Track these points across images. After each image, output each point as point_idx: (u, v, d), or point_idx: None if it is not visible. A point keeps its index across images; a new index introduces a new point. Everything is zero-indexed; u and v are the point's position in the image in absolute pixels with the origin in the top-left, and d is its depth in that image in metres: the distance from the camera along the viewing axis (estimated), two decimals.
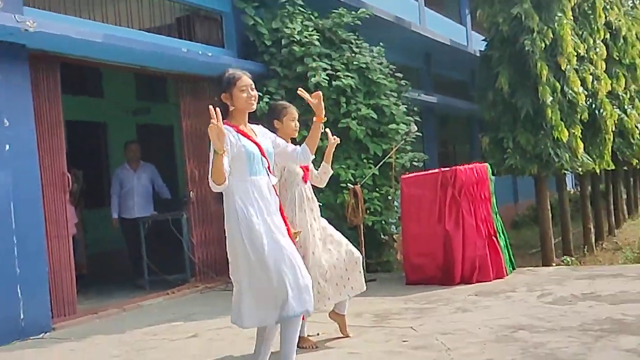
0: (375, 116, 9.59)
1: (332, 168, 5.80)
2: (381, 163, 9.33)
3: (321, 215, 5.68)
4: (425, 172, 9.02)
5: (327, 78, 9.32)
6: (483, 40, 11.91)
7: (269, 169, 4.48)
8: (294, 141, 5.65)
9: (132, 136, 12.11)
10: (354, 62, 9.77)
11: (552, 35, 10.65)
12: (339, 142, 5.64)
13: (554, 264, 10.84)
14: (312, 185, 5.64)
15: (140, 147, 10.33)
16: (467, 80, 19.52)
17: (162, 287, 9.05)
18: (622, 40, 14.91)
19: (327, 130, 5.68)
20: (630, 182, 21.94)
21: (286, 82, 9.50)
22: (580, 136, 11.37)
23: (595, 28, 12.94)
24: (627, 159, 15.87)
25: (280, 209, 4.53)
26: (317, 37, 9.64)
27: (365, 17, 10.36)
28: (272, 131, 5.17)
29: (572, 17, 11.59)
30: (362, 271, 5.66)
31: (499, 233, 8.57)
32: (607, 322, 5.54)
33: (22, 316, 6.68)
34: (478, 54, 13.85)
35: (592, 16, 12.86)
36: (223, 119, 4.39)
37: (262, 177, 4.38)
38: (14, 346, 6.44)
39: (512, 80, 10.70)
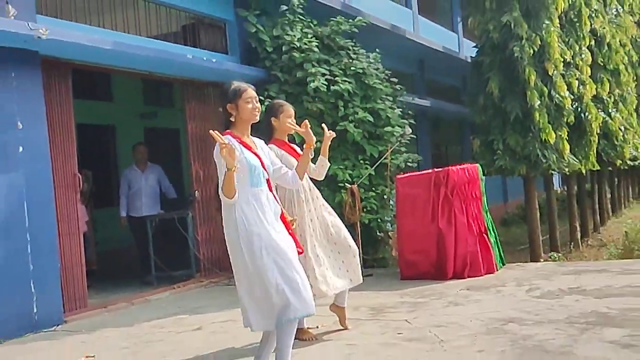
0: (371, 119, 9.59)
1: (330, 166, 5.81)
2: (377, 164, 9.34)
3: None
4: (419, 173, 9.03)
5: (326, 83, 9.33)
6: (474, 47, 11.90)
7: (269, 182, 4.45)
8: (290, 138, 5.66)
9: (140, 139, 12.10)
10: (352, 68, 9.77)
11: (540, 42, 10.65)
12: (334, 136, 5.63)
13: (541, 260, 10.85)
14: (311, 179, 5.65)
15: (147, 149, 10.32)
16: (459, 85, 19.53)
17: (168, 282, 9.06)
18: (606, 47, 14.91)
19: (324, 125, 5.68)
20: (615, 182, 21.95)
21: (286, 87, 9.51)
22: (567, 138, 11.38)
23: (581, 35, 12.94)
24: (612, 159, 15.88)
25: (282, 217, 4.50)
26: (316, 44, 9.64)
27: (362, 25, 10.37)
28: (269, 129, 5.17)
29: (559, 25, 11.60)
30: (359, 264, 5.66)
31: (490, 230, 8.57)
32: (592, 315, 5.55)
33: (35, 310, 6.68)
34: (469, 60, 13.84)
35: (578, 24, 12.86)
36: (226, 129, 4.40)
37: (262, 189, 4.34)
38: (27, 338, 6.44)
39: (501, 85, 10.69)
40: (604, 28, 14.65)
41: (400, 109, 10.42)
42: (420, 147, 15.52)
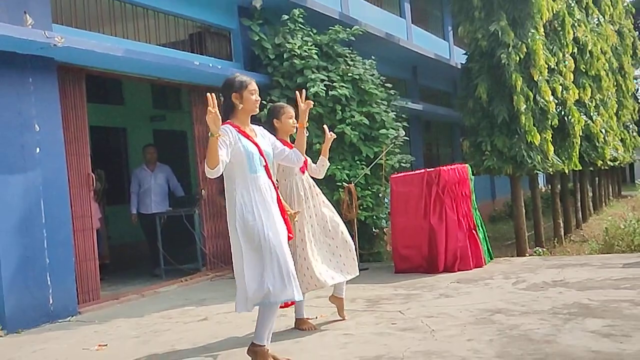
0: (367, 122, 9.60)
1: (329, 167, 5.83)
2: (373, 164, 9.35)
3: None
4: (412, 172, 9.02)
5: (325, 88, 9.33)
6: (464, 54, 11.89)
7: (267, 168, 4.46)
8: (292, 138, 5.67)
9: (150, 140, 12.10)
10: (349, 74, 9.78)
11: (525, 50, 10.65)
12: (335, 137, 5.66)
13: (527, 255, 10.84)
14: (311, 177, 5.66)
15: (156, 150, 10.32)
16: (450, 90, 19.53)
17: (176, 275, 9.06)
18: (588, 54, 14.90)
19: (325, 127, 5.72)
20: (596, 181, 21.96)
21: (288, 92, 9.49)
22: (551, 140, 11.37)
23: (565, 43, 12.94)
24: (593, 160, 15.88)
25: (279, 200, 4.52)
26: (316, 52, 9.64)
27: (358, 33, 10.37)
28: (272, 131, 5.19)
29: (543, 34, 11.59)
30: (355, 258, 5.66)
31: (478, 227, 8.58)
32: (574, 307, 5.55)
33: (51, 301, 6.69)
34: (459, 67, 13.86)
35: (561, 33, 12.85)
36: (227, 119, 4.40)
37: (261, 175, 4.37)
38: (43, 328, 6.44)
39: (489, 90, 10.68)
40: (586, 36, 14.65)
41: (395, 113, 10.42)
42: (413, 148, 15.51)
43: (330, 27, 10.20)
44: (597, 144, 15.64)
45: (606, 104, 17.08)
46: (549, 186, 17.24)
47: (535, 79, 10.92)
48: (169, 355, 5.08)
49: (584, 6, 15.61)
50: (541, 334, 4.74)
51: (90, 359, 5.22)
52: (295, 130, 5.40)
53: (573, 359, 4.11)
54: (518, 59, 10.54)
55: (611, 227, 11.92)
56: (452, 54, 19.06)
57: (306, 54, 9.56)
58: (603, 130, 16.01)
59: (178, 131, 13.42)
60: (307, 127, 4.87)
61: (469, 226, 8.37)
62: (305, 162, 5.56)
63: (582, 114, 13.66)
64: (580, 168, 14.37)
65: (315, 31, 10.11)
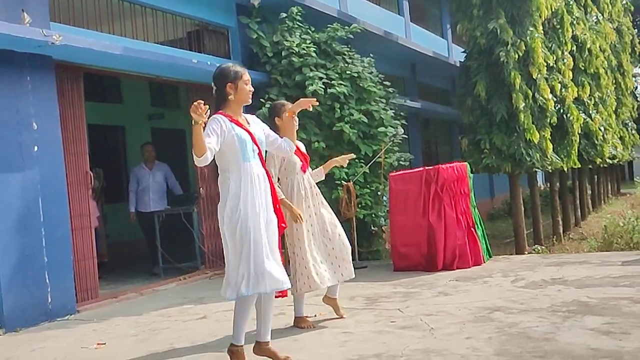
0: (366, 120, 9.60)
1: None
2: (371, 162, 9.35)
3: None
4: (411, 170, 9.03)
5: (323, 86, 9.33)
6: (462, 52, 11.90)
7: (260, 156, 4.46)
8: (299, 139, 5.68)
9: (148, 138, 12.09)
10: (347, 72, 9.78)
11: (524, 48, 10.65)
12: (346, 163, 5.73)
13: (526, 252, 10.86)
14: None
15: (155, 149, 10.31)
16: (448, 88, 19.53)
17: (175, 274, 9.05)
18: (587, 52, 14.91)
19: (346, 157, 6.03)
20: (595, 179, 21.97)
21: (286, 90, 9.50)
22: (550, 138, 11.38)
23: (563, 41, 12.94)
24: (592, 158, 15.90)
25: (272, 190, 4.52)
26: (314, 49, 9.64)
27: (357, 31, 10.37)
28: (274, 129, 5.19)
29: (542, 31, 11.60)
30: (350, 261, 5.66)
31: (477, 225, 8.58)
32: (573, 304, 5.56)
33: (49, 300, 6.68)
34: (458, 65, 13.86)
35: (560, 30, 12.85)
36: (219, 109, 4.40)
37: (254, 163, 4.37)
38: (42, 327, 6.44)
39: (488, 88, 10.69)
40: (584, 34, 14.65)
41: (393, 111, 10.43)
42: (411, 146, 15.50)
43: (329, 25, 10.19)
44: (596, 141, 15.66)
45: (605, 101, 17.09)
46: (548, 184, 17.25)
47: (534, 77, 10.93)
48: (167, 353, 5.08)
49: (582, 4, 15.62)
50: (540, 332, 4.74)
51: (89, 357, 5.21)
52: (296, 128, 5.42)
53: (572, 356, 4.11)
54: (517, 56, 10.55)
55: (610, 225, 11.93)
56: (451, 51, 19.06)
57: (304, 51, 9.55)
58: (602, 128, 16.02)
59: (176, 129, 13.40)
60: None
61: (467, 224, 8.37)
62: (307, 161, 5.57)
63: (581, 111, 13.66)
64: (579, 166, 14.38)
65: (313, 29, 10.11)
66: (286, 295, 4.81)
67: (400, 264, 8.36)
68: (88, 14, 7.82)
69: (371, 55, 10.66)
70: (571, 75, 13.10)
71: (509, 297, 6.10)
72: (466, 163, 8.86)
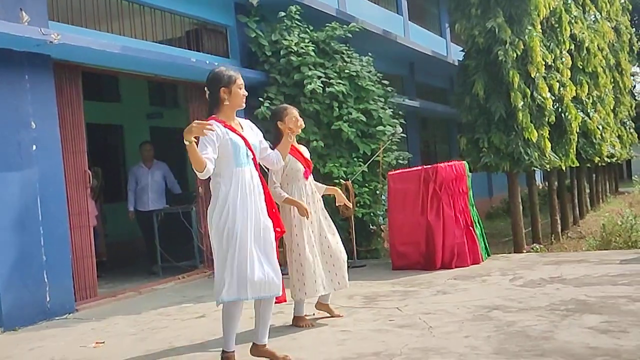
0: (364, 119, 9.60)
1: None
2: (370, 161, 9.35)
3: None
4: (410, 169, 9.03)
5: (322, 85, 9.33)
6: (461, 51, 11.89)
7: (254, 160, 4.43)
8: (298, 138, 5.67)
9: (146, 137, 12.09)
10: (346, 71, 9.78)
11: (522, 47, 10.65)
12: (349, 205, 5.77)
13: (524, 251, 10.86)
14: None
15: (153, 147, 10.31)
16: (447, 87, 19.52)
17: (173, 272, 9.05)
18: (585, 51, 14.91)
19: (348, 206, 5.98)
20: (593, 178, 21.97)
21: (285, 89, 9.50)
22: (548, 137, 11.38)
23: (562, 40, 12.94)
24: (590, 157, 15.90)
25: (267, 195, 4.49)
26: (313, 48, 9.64)
27: (355, 30, 10.37)
28: (277, 133, 5.16)
29: (540, 30, 11.60)
30: (346, 269, 5.65)
31: (476, 223, 8.59)
32: (572, 303, 5.56)
33: (48, 299, 6.68)
34: (456, 63, 13.86)
35: (558, 29, 12.85)
36: (212, 114, 4.36)
37: (247, 168, 4.32)
38: (41, 326, 6.43)
39: (486, 87, 10.69)
40: (583, 33, 14.65)
41: (392, 110, 10.43)
42: (410, 145, 15.50)
43: (327, 24, 10.19)
44: (594, 140, 15.66)
45: (603, 100, 17.09)
46: (546, 183, 17.26)
47: (532, 76, 10.92)
48: (166, 352, 5.08)
49: (580, 3, 15.62)
50: (539, 331, 4.75)
51: (87, 356, 5.21)
52: (299, 131, 5.42)
53: (571, 355, 4.12)
54: (515, 55, 10.55)
55: (608, 224, 11.92)
56: (449, 50, 19.06)
57: (303, 50, 9.55)
58: (600, 127, 16.02)
59: (175, 128, 13.33)
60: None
61: (466, 223, 8.38)
62: (310, 167, 5.57)
63: (579, 110, 13.67)
64: (578, 165, 14.37)
65: (312, 28, 10.10)
66: (285, 301, 4.81)
67: (399, 262, 8.37)
68: (86, 13, 7.82)
69: (370, 54, 10.65)
70: (569, 74, 13.11)
71: (507, 295, 6.11)
72: (464, 162, 8.86)
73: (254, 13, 9.85)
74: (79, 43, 6.87)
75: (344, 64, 9.90)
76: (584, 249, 11.74)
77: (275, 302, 4.58)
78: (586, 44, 14.86)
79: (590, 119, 14.95)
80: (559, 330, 4.72)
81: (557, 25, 12.84)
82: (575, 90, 13.41)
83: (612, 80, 18.93)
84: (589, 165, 17.82)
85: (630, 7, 24.83)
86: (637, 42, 25.20)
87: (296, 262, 5.37)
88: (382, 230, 10.15)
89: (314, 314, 5.81)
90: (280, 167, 4.94)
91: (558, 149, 12.57)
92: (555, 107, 12.02)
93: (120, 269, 10.00)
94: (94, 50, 7.07)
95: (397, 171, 8.93)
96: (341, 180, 9.02)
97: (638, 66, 36.00)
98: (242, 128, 4.45)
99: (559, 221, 14.73)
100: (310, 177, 5.62)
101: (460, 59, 11.89)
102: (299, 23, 9.97)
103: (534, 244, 12.01)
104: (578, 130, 13.53)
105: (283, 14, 9.86)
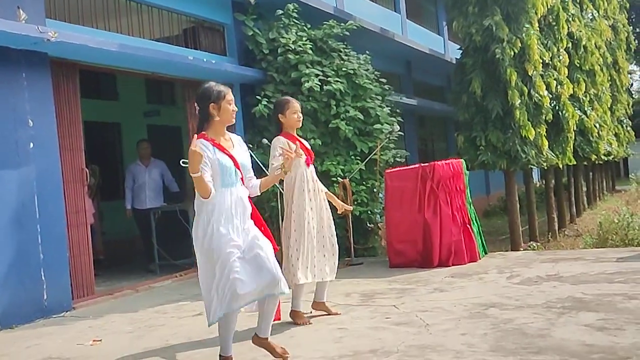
0: (362, 117, 9.60)
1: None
2: (367, 159, 9.35)
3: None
4: (407, 167, 9.04)
5: (319, 83, 9.33)
6: (458, 49, 11.88)
7: (242, 180, 4.36)
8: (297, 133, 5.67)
9: (144, 135, 12.08)
10: (343, 69, 9.77)
11: (520, 45, 10.65)
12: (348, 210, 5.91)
13: (521, 249, 10.86)
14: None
15: (151, 145, 10.31)
16: (444, 85, 19.53)
17: (171, 270, 9.05)
18: (582, 49, 14.91)
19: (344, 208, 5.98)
20: (590, 176, 21.98)
21: (282, 87, 9.50)
22: (545, 135, 11.38)
23: (559, 38, 12.94)
24: (587, 155, 15.89)
25: (254, 212, 4.43)
26: (310, 46, 9.63)
27: (353, 28, 10.36)
28: (277, 125, 5.13)
29: (538, 28, 11.59)
30: (337, 263, 5.69)
31: (473, 221, 8.60)
32: (568, 300, 5.58)
33: (45, 297, 6.68)
34: (454, 62, 13.85)
35: (556, 27, 12.85)
36: (202, 130, 4.29)
37: (234, 189, 4.26)
38: (38, 324, 6.43)
39: (484, 85, 10.68)
40: (580, 31, 14.65)
41: (389, 108, 10.42)
42: (407, 143, 15.51)
43: (325, 22, 10.18)
44: (591, 138, 15.65)
45: (600, 98, 17.09)
46: (543, 181, 17.26)
47: (529, 74, 10.92)
48: (163, 350, 5.09)
49: (578, 1, 15.61)
50: (535, 328, 4.76)
51: (84, 354, 5.21)
52: (300, 125, 5.42)
53: (567, 352, 4.13)
54: (512, 53, 10.54)
55: (605, 222, 11.93)
56: (447, 49, 19.06)
57: (300, 48, 9.54)
58: (597, 125, 16.01)
59: (172, 126, 13.38)
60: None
61: (463, 221, 8.39)
62: (311, 156, 5.58)
63: (576, 108, 13.67)
64: (575, 163, 14.38)
65: (309, 26, 10.10)
66: (279, 319, 4.83)
67: (396, 260, 8.38)
68: (84, 11, 7.81)
69: (367, 52, 10.65)
70: (567, 72, 13.10)
71: (504, 293, 6.12)
72: (462, 160, 8.88)
73: (252, 11, 9.84)
74: (76, 41, 6.87)
75: (342, 62, 9.89)
76: (581, 246, 11.75)
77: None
78: (583, 42, 14.85)
79: (587, 117, 14.95)
80: (556, 327, 4.74)
81: (554, 23, 12.84)
82: (573, 88, 13.42)
83: (609, 78, 18.92)
84: (586, 163, 17.82)
85: (628, 5, 24.80)
86: (634, 40, 25.20)
87: (292, 247, 5.40)
88: (380, 228, 10.15)
89: (311, 312, 5.82)
90: (254, 195, 4.65)
91: (555, 147, 12.57)
92: (552, 105, 12.02)
93: (117, 267, 10.00)
94: (91, 48, 7.06)
95: (395, 169, 8.94)
96: (339, 178, 9.02)
97: (635, 64, 36.04)
98: (232, 145, 4.37)
99: (556, 219, 14.73)
100: (312, 167, 5.63)
101: (458, 57, 11.88)
102: (296, 21, 9.96)
103: (531, 242, 12.01)
104: (575, 128, 13.53)
105: (280, 12, 9.85)
